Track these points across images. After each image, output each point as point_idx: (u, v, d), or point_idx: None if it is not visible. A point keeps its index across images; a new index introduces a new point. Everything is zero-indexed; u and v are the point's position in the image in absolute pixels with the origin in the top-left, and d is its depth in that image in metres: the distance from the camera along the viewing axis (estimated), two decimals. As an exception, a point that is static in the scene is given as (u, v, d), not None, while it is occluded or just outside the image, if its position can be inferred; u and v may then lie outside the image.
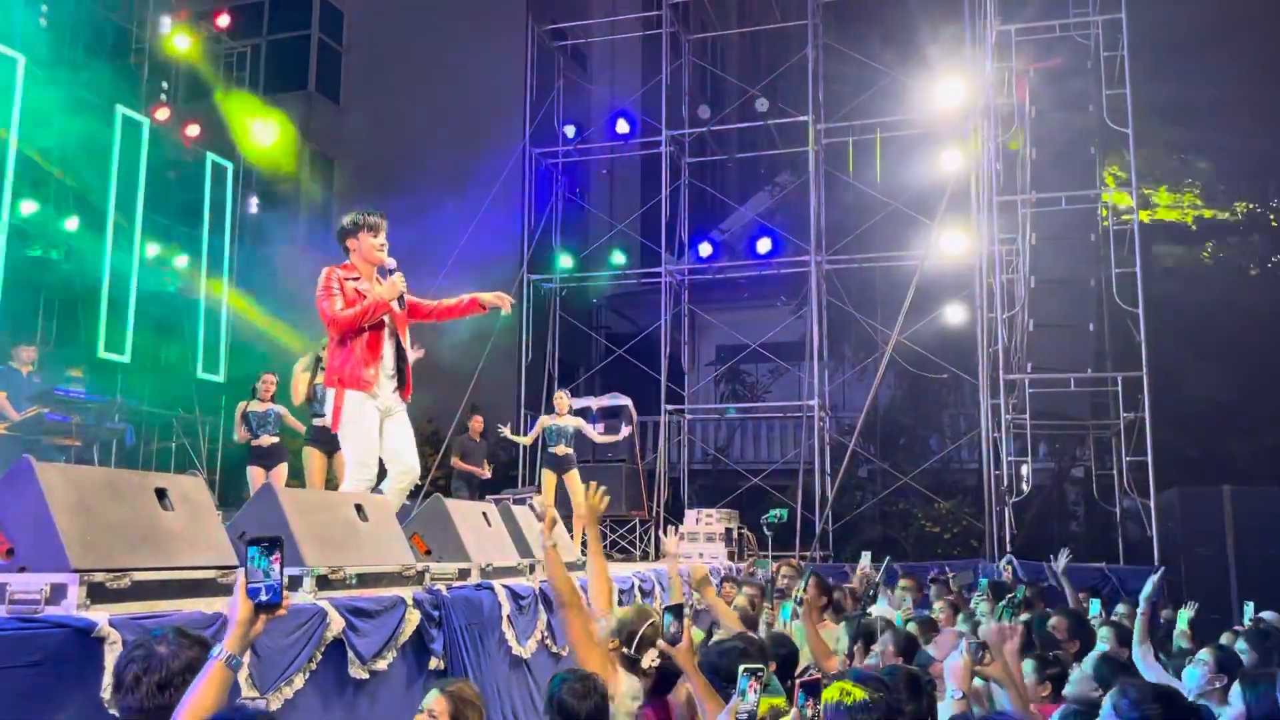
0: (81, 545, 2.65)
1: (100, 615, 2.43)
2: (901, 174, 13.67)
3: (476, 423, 10.72)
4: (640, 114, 15.05)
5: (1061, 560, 7.64)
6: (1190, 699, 3.50)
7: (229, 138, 14.55)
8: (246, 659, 2.51)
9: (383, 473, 4.90)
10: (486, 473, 10.55)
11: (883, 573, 7.70)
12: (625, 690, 3.17)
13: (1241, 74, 12.05)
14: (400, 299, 4.91)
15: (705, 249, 14.69)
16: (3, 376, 8.50)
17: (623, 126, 14.98)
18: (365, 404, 4.76)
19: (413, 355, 5.16)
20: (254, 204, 15.50)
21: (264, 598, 2.06)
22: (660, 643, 3.06)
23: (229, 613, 2.11)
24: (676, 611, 3.01)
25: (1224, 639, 4.89)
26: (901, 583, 7.35)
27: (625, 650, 3.23)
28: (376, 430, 4.80)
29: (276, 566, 2.07)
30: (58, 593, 2.56)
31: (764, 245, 14.24)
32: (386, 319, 4.88)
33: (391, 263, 4.87)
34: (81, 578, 2.57)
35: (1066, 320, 11.17)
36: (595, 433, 10.20)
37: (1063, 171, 11.46)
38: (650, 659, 3.18)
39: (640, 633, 3.22)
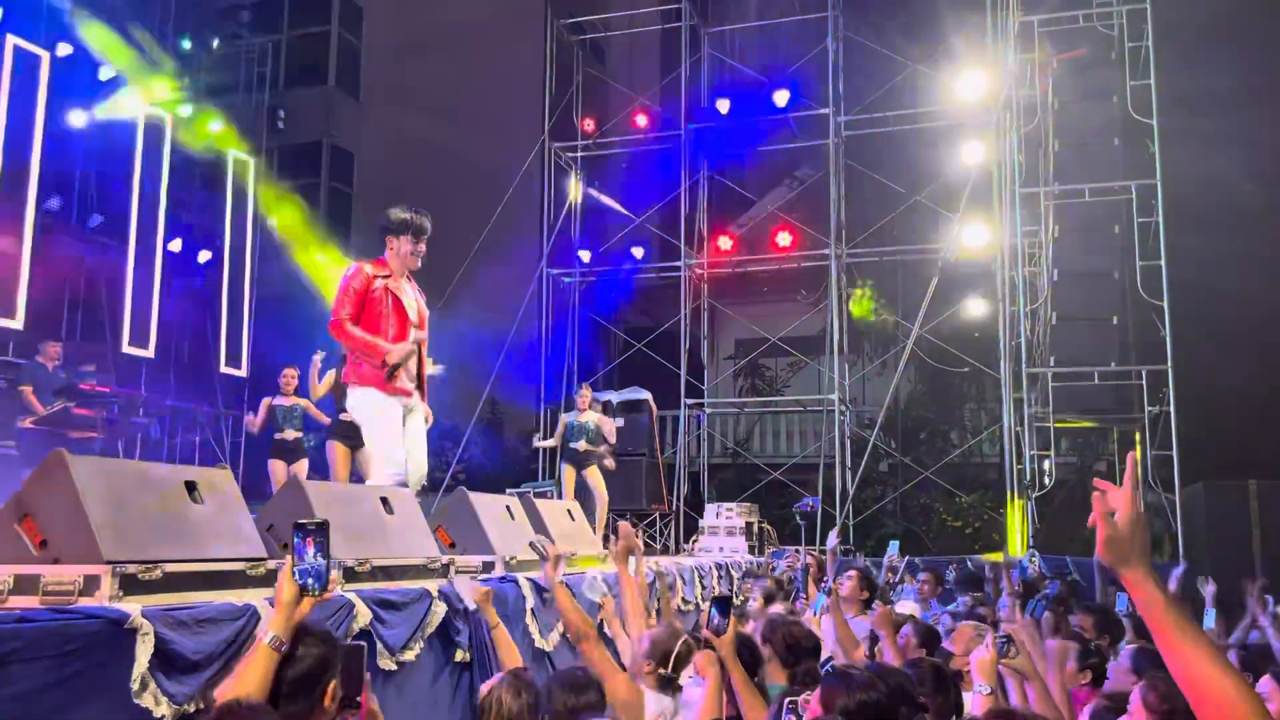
0: (114, 537, 2.66)
1: (133, 606, 2.44)
2: (923, 167, 13.58)
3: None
4: (659, 107, 15.02)
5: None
6: None
7: (251, 133, 14.63)
8: None
9: None
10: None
11: (904, 565, 7.67)
12: (654, 711, 3.14)
13: (1269, 62, 11.87)
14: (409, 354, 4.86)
15: (725, 243, 14.66)
16: (29, 371, 8.61)
17: (642, 120, 14.96)
18: (389, 400, 4.80)
19: (432, 369, 5.14)
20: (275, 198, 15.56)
21: (308, 581, 2.14)
22: (705, 631, 3.04)
23: (275, 595, 2.14)
24: (722, 603, 3.01)
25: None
26: (920, 576, 7.31)
27: (663, 671, 3.18)
28: (401, 425, 4.85)
29: (322, 552, 2.11)
30: (90, 584, 2.57)
31: (784, 239, 14.20)
32: (413, 325, 4.90)
33: (403, 352, 4.79)
34: (114, 569, 2.58)
35: (1090, 313, 11.07)
36: (604, 444, 9.88)
37: (1086, 163, 11.37)
38: (688, 675, 3.16)
39: (675, 651, 3.18)
